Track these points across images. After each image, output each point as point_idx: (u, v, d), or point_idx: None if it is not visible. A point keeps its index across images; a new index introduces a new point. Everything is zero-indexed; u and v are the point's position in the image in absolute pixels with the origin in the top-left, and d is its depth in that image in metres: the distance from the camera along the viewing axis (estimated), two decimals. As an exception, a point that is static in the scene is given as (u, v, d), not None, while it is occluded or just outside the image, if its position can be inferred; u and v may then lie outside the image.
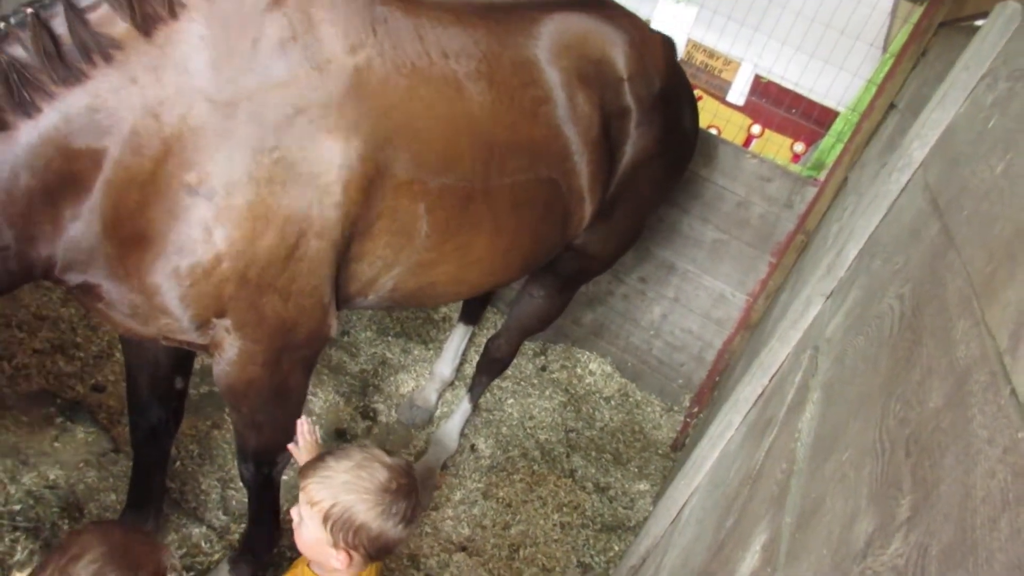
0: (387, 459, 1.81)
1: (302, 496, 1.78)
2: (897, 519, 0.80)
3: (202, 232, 1.81)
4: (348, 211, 2.00)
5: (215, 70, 1.75)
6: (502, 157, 2.35)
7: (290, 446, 2.13)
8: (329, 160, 1.91)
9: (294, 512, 1.83)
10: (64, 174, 1.66)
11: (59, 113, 1.62)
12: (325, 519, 1.73)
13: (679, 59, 3.34)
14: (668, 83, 2.95)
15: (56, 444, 2.97)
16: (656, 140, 2.93)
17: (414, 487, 1.82)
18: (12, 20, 1.60)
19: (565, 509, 3.66)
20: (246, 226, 1.84)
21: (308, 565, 1.90)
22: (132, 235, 1.78)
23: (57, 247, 1.74)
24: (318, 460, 1.82)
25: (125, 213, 1.75)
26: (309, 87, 1.86)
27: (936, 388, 0.91)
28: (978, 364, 0.82)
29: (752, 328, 4.13)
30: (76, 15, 1.63)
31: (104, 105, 1.66)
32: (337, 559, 1.76)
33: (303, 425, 2.12)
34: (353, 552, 1.75)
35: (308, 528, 1.77)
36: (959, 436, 0.78)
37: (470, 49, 2.28)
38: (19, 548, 2.56)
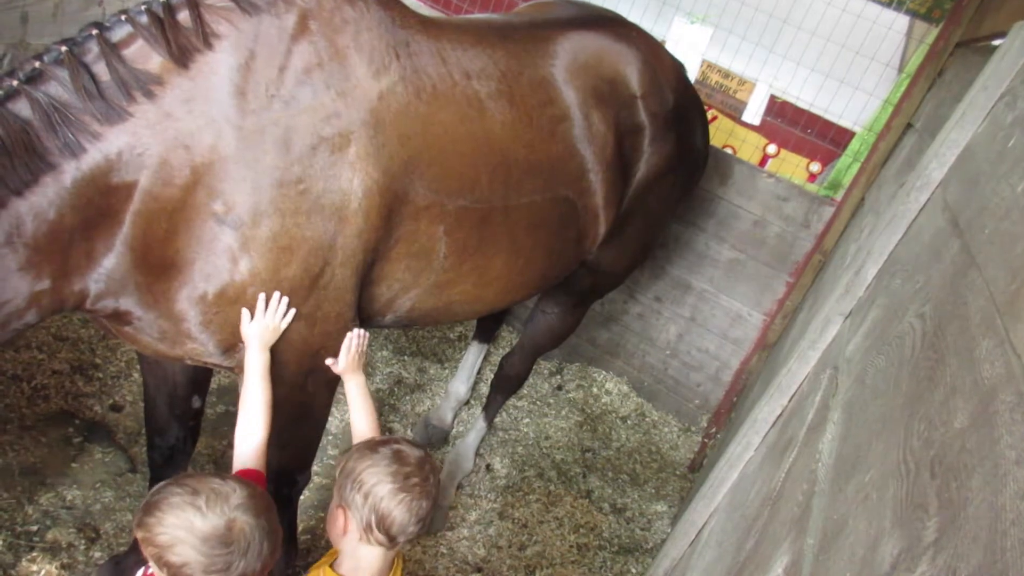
0: (422, 450, 1.84)
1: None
2: (924, 541, 0.79)
3: (228, 261, 1.82)
4: (369, 238, 2.01)
5: (243, 98, 1.77)
6: (520, 177, 2.36)
7: (328, 360, 2.09)
8: (351, 190, 1.92)
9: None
10: (101, 209, 1.69)
11: (101, 153, 1.64)
12: (343, 469, 1.78)
13: (694, 79, 3.35)
14: (681, 100, 2.97)
15: (74, 464, 2.98)
16: (669, 157, 2.94)
17: (429, 481, 1.81)
18: (46, 58, 1.62)
19: (582, 530, 3.64)
20: (271, 256, 1.85)
21: (331, 566, 1.90)
22: (160, 263, 1.80)
23: (89, 279, 1.76)
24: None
25: (154, 242, 1.77)
26: (334, 113, 1.88)
27: (961, 408, 0.90)
28: (1004, 383, 0.81)
29: (769, 348, 4.11)
30: (112, 51, 1.65)
31: (141, 141, 1.68)
32: (336, 519, 1.77)
33: (355, 337, 2.09)
34: (349, 513, 1.74)
35: (336, 487, 1.80)
36: (986, 457, 0.77)
37: (490, 69, 2.30)
38: (35, 568, 2.56)
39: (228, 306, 1.87)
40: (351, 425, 2.11)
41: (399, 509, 1.73)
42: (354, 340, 2.09)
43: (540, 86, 2.46)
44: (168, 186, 1.73)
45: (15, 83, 1.57)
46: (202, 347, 1.95)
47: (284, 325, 1.98)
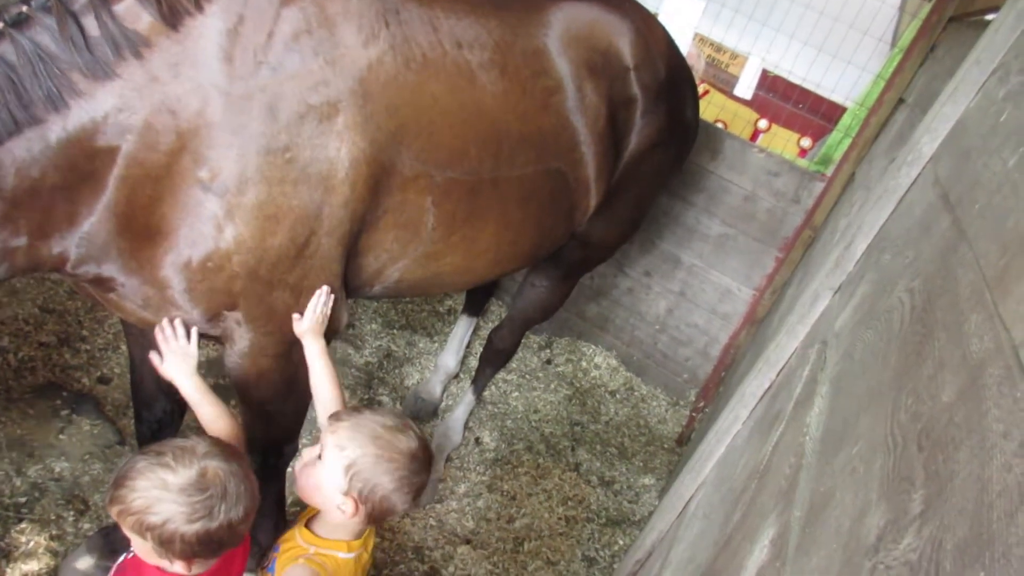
0: (418, 429, 1.87)
1: (330, 439, 1.78)
2: (910, 513, 0.80)
3: (213, 228, 1.80)
4: (356, 208, 1.99)
5: (231, 64, 1.74)
6: (511, 148, 2.34)
7: (295, 315, 2.07)
8: (338, 160, 1.90)
9: (309, 452, 1.84)
10: (85, 172, 1.66)
11: (88, 114, 1.61)
12: (348, 467, 1.75)
13: (686, 53, 3.32)
14: (672, 72, 2.95)
15: (62, 436, 2.98)
16: (660, 129, 2.93)
17: (430, 465, 1.87)
18: (33, 3, 1.56)
19: (570, 503, 3.66)
20: (256, 224, 1.83)
21: (305, 525, 1.91)
22: (144, 229, 1.78)
23: (70, 243, 1.74)
24: (354, 410, 1.85)
25: (138, 208, 1.75)
26: (322, 82, 1.85)
27: (949, 382, 0.90)
28: (993, 357, 0.82)
29: (758, 323, 4.12)
30: (103, 5, 1.61)
31: (127, 104, 1.65)
32: (343, 506, 1.77)
33: (322, 295, 2.08)
34: (361, 505, 1.77)
35: (326, 471, 1.78)
36: (973, 430, 0.77)
37: (483, 39, 2.27)
38: (24, 539, 2.56)
39: (213, 274, 1.86)
40: (313, 390, 2.07)
41: (402, 503, 1.81)
42: (321, 299, 2.05)
43: (533, 56, 2.44)
44: (153, 151, 1.70)
45: (0, 25, 1.53)
46: (187, 315, 1.93)
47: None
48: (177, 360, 1.93)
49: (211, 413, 1.95)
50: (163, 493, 1.53)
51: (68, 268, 1.79)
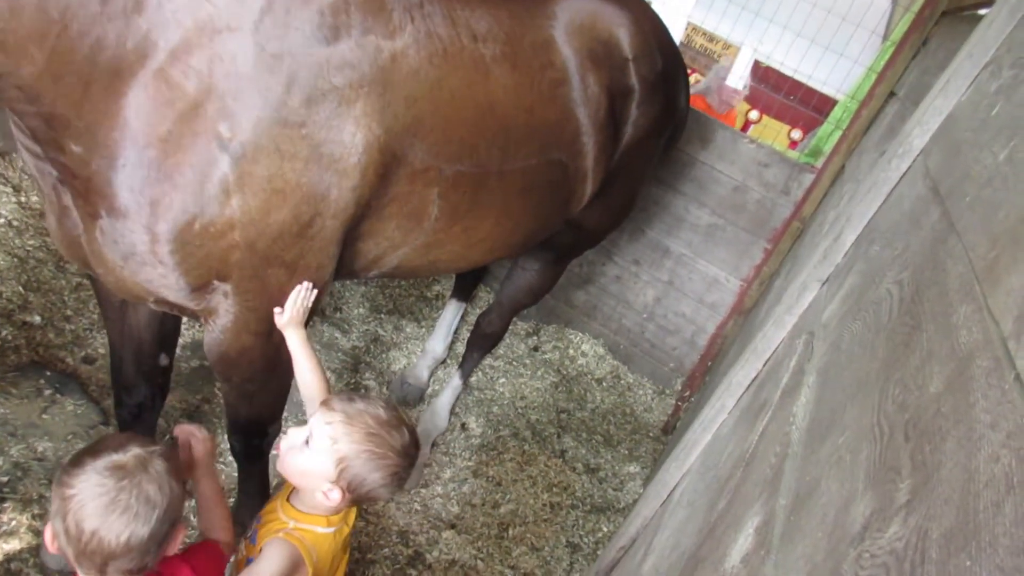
0: (408, 419, 1.90)
1: (324, 429, 1.79)
2: (896, 503, 0.80)
3: (222, 193, 1.75)
4: (362, 194, 1.98)
5: (269, 20, 1.71)
6: (518, 141, 2.34)
7: (276, 310, 2.07)
8: (352, 145, 1.88)
9: (296, 434, 1.83)
10: (115, 44, 1.58)
11: None
12: (340, 460, 1.77)
13: (679, 42, 3.32)
14: (668, 62, 2.96)
15: (45, 416, 2.95)
16: (655, 119, 2.94)
17: (418, 454, 1.91)
18: None
19: (555, 489, 3.67)
20: (263, 197, 1.80)
21: (288, 499, 1.91)
22: (157, 165, 1.70)
23: (72, 116, 1.63)
24: (347, 399, 1.85)
25: (155, 138, 1.68)
26: (348, 64, 1.84)
27: (936, 373, 0.90)
28: (981, 349, 0.82)
29: (745, 313, 4.14)
30: None
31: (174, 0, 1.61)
32: (330, 493, 1.79)
33: (303, 290, 2.09)
34: (348, 494, 1.80)
35: (315, 459, 1.78)
36: (960, 421, 0.78)
37: (495, 31, 2.27)
38: (5, 518, 2.55)
39: (212, 240, 1.81)
40: (299, 381, 2.09)
41: (388, 494, 1.88)
42: (301, 294, 2.05)
43: (542, 48, 2.43)
44: (183, 74, 1.65)
45: None
46: (168, 277, 1.86)
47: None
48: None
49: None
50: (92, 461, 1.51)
51: (56, 132, 1.67)
